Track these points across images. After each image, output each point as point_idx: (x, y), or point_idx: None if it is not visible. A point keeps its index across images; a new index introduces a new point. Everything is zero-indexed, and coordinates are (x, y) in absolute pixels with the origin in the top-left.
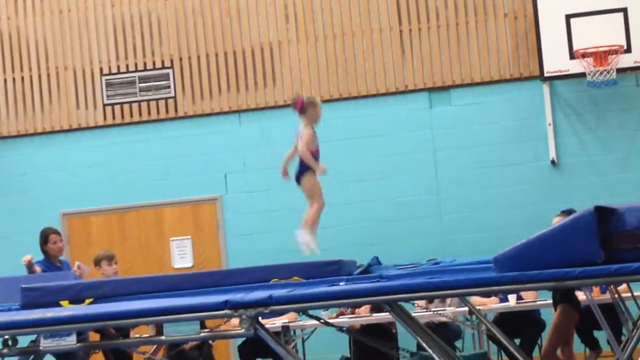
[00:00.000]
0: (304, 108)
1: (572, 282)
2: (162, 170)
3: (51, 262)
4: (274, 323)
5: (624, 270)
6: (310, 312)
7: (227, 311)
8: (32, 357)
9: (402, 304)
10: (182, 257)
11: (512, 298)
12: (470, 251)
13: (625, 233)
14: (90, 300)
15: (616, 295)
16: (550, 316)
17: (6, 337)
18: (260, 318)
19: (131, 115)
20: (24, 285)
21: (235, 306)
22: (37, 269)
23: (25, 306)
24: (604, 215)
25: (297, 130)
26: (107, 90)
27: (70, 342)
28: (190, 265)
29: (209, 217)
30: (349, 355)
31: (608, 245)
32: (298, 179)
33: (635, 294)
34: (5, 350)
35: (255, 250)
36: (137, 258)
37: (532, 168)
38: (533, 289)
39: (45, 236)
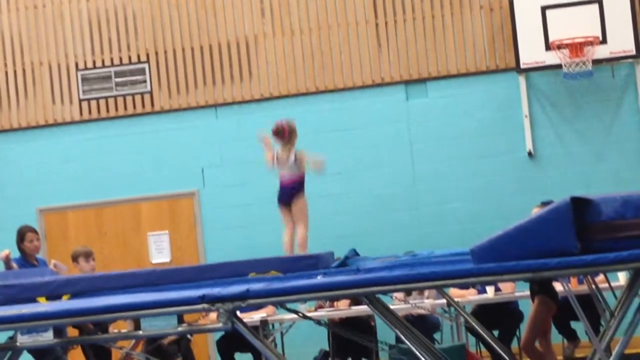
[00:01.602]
0: (290, 136)
1: (549, 273)
2: (138, 165)
3: (27, 261)
4: (252, 317)
5: (601, 260)
6: (289, 305)
7: (204, 305)
8: (9, 353)
9: (381, 296)
10: (159, 252)
11: (490, 290)
12: (447, 243)
13: (601, 224)
14: (68, 296)
15: (593, 286)
16: (528, 308)
17: None
18: (238, 312)
19: (107, 110)
20: None
21: (213, 300)
22: (14, 265)
23: (1, 302)
24: (580, 206)
25: (278, 153)
26: (82, 85)
27: (47, 338)
28: (168, 260)
29: (186, 212)
30: (327, 349)
31: (584, 236)
32: (285, 199)
33: (612, 284)
34: None
35: (233, 244)
36: (114, 253)
37: (509, 160)
38: (510, 280)
39: (22, 234)
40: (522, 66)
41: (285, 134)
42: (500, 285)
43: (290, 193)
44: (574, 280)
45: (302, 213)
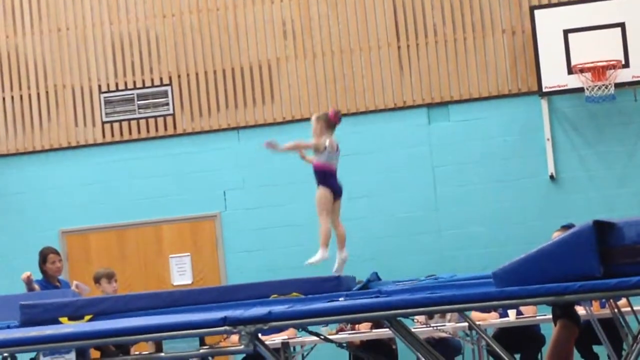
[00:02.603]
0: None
1: (572, 297)
2: (161, 188)
3: (49, 282)
4: (274, 340)
5: (623, 284)
6: (310, 328)
7: (226, 327)
8: None
9: (402, 319)
10: (181, 274)
11: (512, 313)
12: (469, 267)
13: (624, 247)
14: (90, 316)
15: (616, 310)
16: (550, 331)
17: (5, 354)
18: (259, 334)
19: (130, 133)
20: (22, 303)
21: (235, 322)
22: (36, 287)
23: (24, 323)
24: (602, 229)
25: (337, 143)
26: (105, 108)
27: (69, 359)
28: (189, 282)
29: (208, 234)
30: None
31: (607, 259)
32: (337, 189)
33: (634, 308)
34: None
35: (254, 267)
36: (136, 275)
37: (531, 183)
38: (532, 304)
39: (44, 256)
40: (544, 89)
41: (339, 117)
42: (522, 308)
43: (339, 185)
44: (596, 304)
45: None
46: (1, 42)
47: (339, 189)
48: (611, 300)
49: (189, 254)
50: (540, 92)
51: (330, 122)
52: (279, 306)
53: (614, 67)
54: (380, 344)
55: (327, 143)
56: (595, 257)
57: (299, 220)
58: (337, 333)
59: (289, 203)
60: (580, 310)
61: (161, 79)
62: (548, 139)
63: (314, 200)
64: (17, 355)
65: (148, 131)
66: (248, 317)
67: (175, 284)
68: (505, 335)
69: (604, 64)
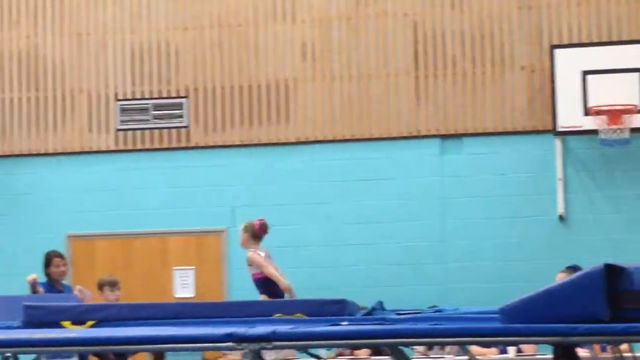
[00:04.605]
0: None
1: (578, 339)
2: (169, 199)
3: (53, 286)
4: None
5: (631, 330)
6: (311, 350)
7: (230, 343)
8: None
9: (403, 349)
10: (184, 286)
11: (511, 350)
12: (472, 300)
13: (633, 292)
14: (92, 322)
15: (617, 354)
16: None
17: (7, 354)
18: (262, 352)
19: (143, 142)
20: (26, 304)
21: (240, 339)
22: (40, 289)
23: (26, 324)
24: (613, 273)
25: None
26: (120, 116)
27: None
28: (192, 295)
29: (214, 249)
30: None
31: (615, 303)
32: None
33: (637, 354)
34: None
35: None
36: (139, 285)
37: (540, 222)
38: (538, 342)
39: (49, 259)
40: (559, 129)
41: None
42: (523, 346)
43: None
44: (596, 347)
45: None
46: (21, 41)
47: (281, 294)
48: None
49: (193, 267)
50: (555, 132)
51: (256, 234)
52: (283, 326)
53: (630, 111)
54: None
55: (260, 254)
56: (603, 301)
57: (306, 241)
58: (335, 357)
59: (297, 223)
60: (581, 352)
61: (178, 91)
62: (559, 179)
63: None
64: (19, 356)
65: (161, 142)
66: (253, 335)
67: (177, 296)
68: None
69: (621, 107)
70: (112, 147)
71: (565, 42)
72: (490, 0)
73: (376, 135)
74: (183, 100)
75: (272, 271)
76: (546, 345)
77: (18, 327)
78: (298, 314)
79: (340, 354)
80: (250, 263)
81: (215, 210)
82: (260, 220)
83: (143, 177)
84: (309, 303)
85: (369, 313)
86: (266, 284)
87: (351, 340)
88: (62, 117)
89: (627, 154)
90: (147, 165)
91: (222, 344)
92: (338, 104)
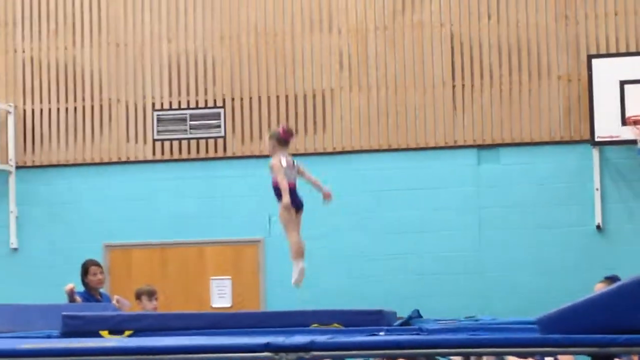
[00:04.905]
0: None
1: (616, 349)
2: (206, 209)
3: (91, 294)
4: None
5: None
6: None
7: (267, 353)
8: None
9: (440, 359)
10: (221, 296)
11: None
12: (508, 311)
13: None
14: (130, 332)
15: None
16: None
17: None
18: None
19: (180, 152)
20: (65, 313)
21: (277, 349)
22: (78, 299)
23: (65, 334)
24: None
25: (292, 159)
26: (157, 126)
27: None
28: (228, 305)
29: (250, 259)
30: None
31: None
32: (298, 203)
33: None
34: None
35: (294, 294)
36: (176, 295)
37: (577, 232)
38: (576, 353)
39: (86, 268)
40: (596, 139)
41: (294, 136)
42: (560, 357)
43: (300, 199)
44: (635, 358)
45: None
46: (59, 52)
47: (299, 203)
48: None
49: (230, 277)
50: (592, 141)
51: (281, 139)
52: (320, 336)
53: None
54: None
55: (281, 161)
56: None
57: (342, 251)
58: None
59: (335, 234)
60: None
61: (215, 101)
62: (597, 189)
63: (362, 232)
64: None
65: (198, 152)
66: (290, 344)
67: (214, 306)
68: None
69: None
70: (149, 157)
71: (603, 51)
72: (527, 10)
73: (413, 146)
74: (220, 110)
75: (280, 179)
76: (584, 356)
77: (57, 337)
78: (335, 324)
79: None
80: (270, 167)
81: (252, 219)
82: (284, 125)
83: (180, 186)
84: (346, 313)
85: (406, 323)
86: (277, 192)
87: (388, 350)
88: (99, 128)
89: None
90: (184, 175)
91: (259, 354)
92: (375, 114)
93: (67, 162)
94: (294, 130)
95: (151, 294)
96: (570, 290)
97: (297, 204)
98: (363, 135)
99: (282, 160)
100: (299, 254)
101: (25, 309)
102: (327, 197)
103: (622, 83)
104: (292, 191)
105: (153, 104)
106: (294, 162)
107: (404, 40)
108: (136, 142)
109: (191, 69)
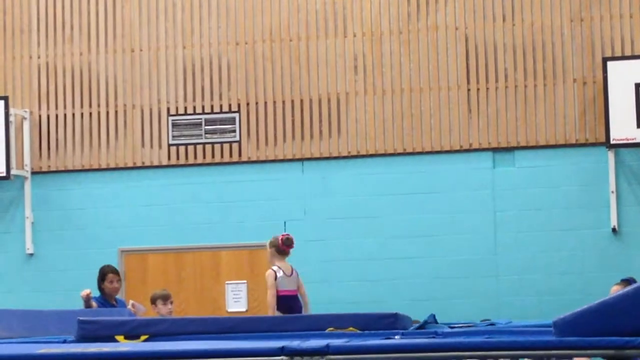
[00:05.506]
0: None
1: (633, 352)
2: (221, 214)
3: (107, 300)
4: None
5: None
6: None
7: (283, 357)
8: None
9: None
10: (236, 301)
11: None
12: (525, 314)
13: None
14: (146, 336)
15: None
16: None
17: None
18: None
19: (195, 157)
20: (80, 318)
21: (292, 353)
22: (94, 304)
23: (80, 338)
24: None
25: (291, 267)
26: (172, 131)
27: None
28: (244, 309)
29: (266, 263)
30: None
31: None
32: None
33: None
34: None
35: (310, 298)
36: (191, 299)
37: (593, 235)
38: (592, 355)
39: (103, 274)
40: (612, 141)
41: (293, 246)
42: (575, 359)
43: (300, 306)
44: None
45: None
46: (75, 58)
47: (299, 311)
48: None
49: (245, 281)
50: (607, 144)
51: (280, 250)
52: (336, 340)
53: None
54: None
55: (277, 272)
56: None
57: (357, 254)
58: None
59: (348, 237)
60: None
61: (230, 106)
62: (612, 192)
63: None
64: None
65: (213, 156)
66: (306, 348)
67: (230, 310)
68: None
69: None
70: (165, 162)
71: (618, 54)
72: (541, 12)
73: (428, 149)
74: (235, 114)
75: (268, 298)
76: (600, 358)
77: (72, 342)
78: (350, 328)
79: None
80: (266, 278)
81: (267, 224)
82: (285, 234)
83: (195, 191)
84: (361, 317)
85: (422, 326)
86: (280, 302)
87: (404, 353)
88: (114, 133)
89: None
90: (199, 180)
91: (275, 358)
92: (389, 118)
93: (82, 168)
94: (294, 240)
95: (166, 298)
96: (586, 293)
97: (295, 312)
98: (378, 139)
99: (278, 271)
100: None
101: (40, 314)
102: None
103: (638, 85)
104: (290, 298)
105: (168, 109)
106: (293, 271)
107: (419, 43)
108: (151, 147)
109: (206, 73)
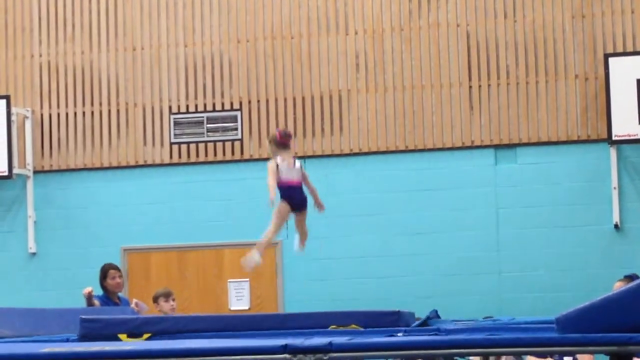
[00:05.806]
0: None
1: (635, 348)
2: (224, 212)
3: (109, 298)
4: None
5: None
6: None
7: (286, 355)
8: None
9: (459, 359)
10: (239, 299)
11: None
12: (528, 311)
13: None
14: (148, 335)
15: None
16: None
17: None
18: None
19: (197, 155)
20: (83, 316)
21: (295, 351)
22: (96, 302)
23: (83, 337)
24: None
25: (294, 159)
26: (174, 129)
27: None
28: (246, 307)
29: (268, 261)
30: None
31: None
32: (298, 202)
33: None
34: None
35: (313, 296)
36: (194, 297)
37: (595, 231)
38: (594, 352)
39: (105, 272)
40: (614, 138)
41: (292, 138)
42: (579, 356)
43: (302, 198)
44: None
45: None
46: (76, 57)
47: (300, 202)
48: None
49: (247, 279)
50: (609, 140)
51: (279, 143)
52: (338, 337)
53: None
54: None
55: (278, 161)
56: None
57: (360, 252)
58: None
59: (351, 234)
60: None
61: (232, 104)
62: (615, 188)
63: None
64: None
65: (215, 154)
66: (309, 346)
67: (232, 308)
68: None
69: None
70: (167, 161)
71: (620, 50)
72: (543, 9)
73: (430, 146)
74: (237, 112)
75: (269, 178)
76: (603, 355)
77: (75, 340)
78: (353, 326)
79: None
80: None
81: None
82: (280, 129)
83: (197, 190)
84: (364, 315)
85: (424, 323)
86: (280, 191)
87: (407, 350)
88: (116, 131)
89: None
90: (201, 178)
91: (278, 356)
92: (391, 115)
93: (84, 166)
94: (291, 132)
95: (168, 295)
96: (588, 289)
97: (297, 203)
98: (379, 136)
99: (279, 161)
100: (261, 247)
101: (43, 312)
102: (319, 207)
103: (639, 81)
104: (294, 189)
105: (170, 107)
106: (296, 163)
107: (420, 40)
108: (153, 145)
109: (208, 72)
